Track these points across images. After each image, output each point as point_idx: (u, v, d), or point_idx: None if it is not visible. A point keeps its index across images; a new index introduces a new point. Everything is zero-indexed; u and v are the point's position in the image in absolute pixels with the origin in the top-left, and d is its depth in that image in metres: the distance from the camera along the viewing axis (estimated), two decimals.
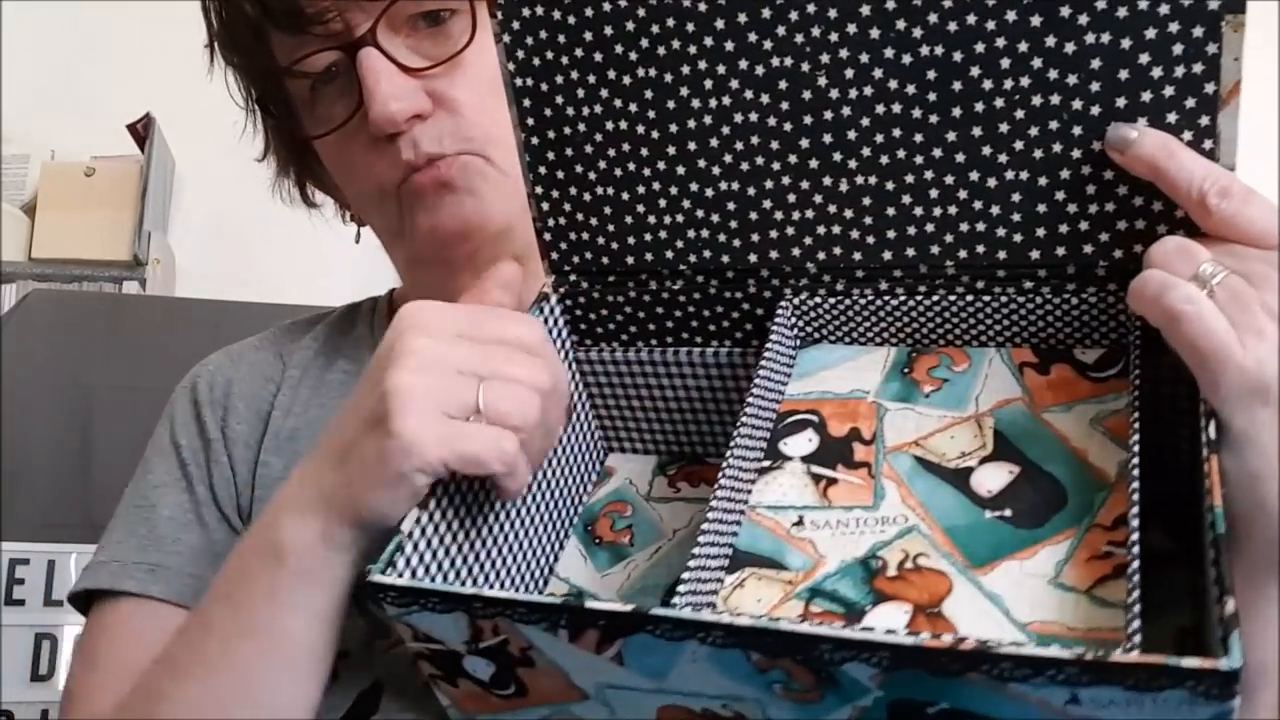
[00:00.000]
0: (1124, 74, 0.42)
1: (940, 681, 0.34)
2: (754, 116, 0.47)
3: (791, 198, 0.48)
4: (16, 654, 1.20)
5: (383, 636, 0.54)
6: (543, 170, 0.52)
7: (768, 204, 0.49)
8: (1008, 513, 0.42)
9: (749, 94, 0.46)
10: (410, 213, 0.62)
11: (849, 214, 0.47)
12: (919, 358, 0.50)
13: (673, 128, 0.48)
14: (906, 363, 0.50)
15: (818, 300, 0.50)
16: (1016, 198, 0.45)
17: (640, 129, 0.49)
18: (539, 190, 0.52)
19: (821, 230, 0.48)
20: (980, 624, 0.39)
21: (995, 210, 0.45)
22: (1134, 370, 0.43)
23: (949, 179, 0.45)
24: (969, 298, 0.48)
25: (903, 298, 0.49)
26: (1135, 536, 0.37)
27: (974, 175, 0.45)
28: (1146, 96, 0.42)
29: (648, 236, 0.52)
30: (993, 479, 0.44)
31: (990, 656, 0.33)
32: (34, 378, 1.05)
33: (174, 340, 1.06)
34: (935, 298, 0.48)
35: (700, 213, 0.50)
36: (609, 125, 0.49)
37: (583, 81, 0.49)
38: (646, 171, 0.50)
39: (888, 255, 0.48)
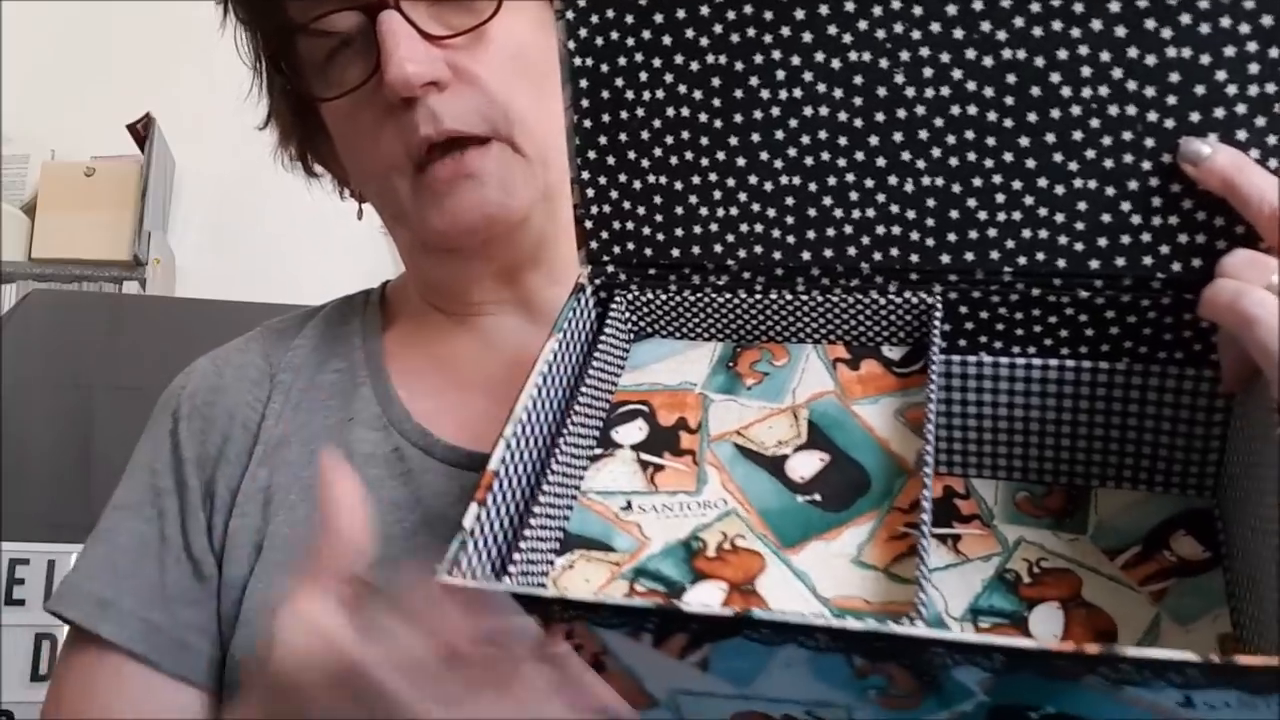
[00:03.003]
0: (1200, 89, 0.42)
1: (1051, 685, 0.34)
2: (824, 110, 0.46)
3: (854, 196, 0.47)
4: (16, 654, 1.21)
5: None
6: (592, 155, 0.50)
7: (828, 201, 0.48)
8: (817, 497, 0.45)
9: (822, 87, 0.46)
10: (422, 206, 0.59)
11: (911, 215, 0.47)
12: (742, 352, 0.53)
13: (737, 118, 0.47)
14: (731, 357, 0.53)
15: (649, 296, 0.52)
16: (1082, 206, 0.45)
17: (703, 117, 0.47)
18: (585, 175, 0.50)
19: (881, 230, 0.48)
20: (789, 599, 0.41)
21: (1060, 218, 0.46)
22: (931, 366, 0.46)
23: (1016, 184, 0.45)
24: (789, 297, 0.50)
25: (728, 295, 0.51)
26: (927, 518, 0.40)
27: (1042, 181, 0.45)
28: (1219, 113, 0.43)
29: (697, 229, 0.50)
30: (805, 466, 0.47)
31: (1114, 659, 0.32)
32: (34, 378, 1.02)
33: (174, 340, 1.03)
34: (756, 296, 0.51)
35: (756, 207, 0.49)
36: (669, 111, 0.48)
37: (647, 65, 0.47)
38: (704, 161, 0.48)
39: (946, 259, 0.48)
